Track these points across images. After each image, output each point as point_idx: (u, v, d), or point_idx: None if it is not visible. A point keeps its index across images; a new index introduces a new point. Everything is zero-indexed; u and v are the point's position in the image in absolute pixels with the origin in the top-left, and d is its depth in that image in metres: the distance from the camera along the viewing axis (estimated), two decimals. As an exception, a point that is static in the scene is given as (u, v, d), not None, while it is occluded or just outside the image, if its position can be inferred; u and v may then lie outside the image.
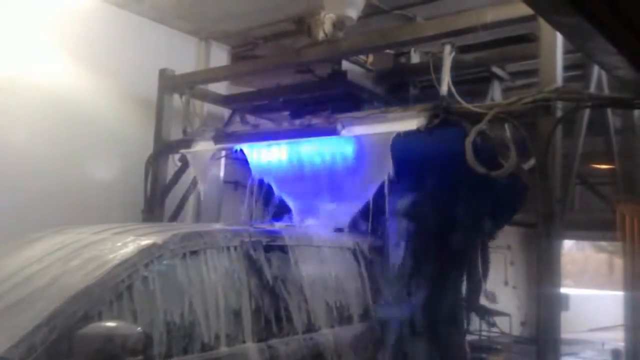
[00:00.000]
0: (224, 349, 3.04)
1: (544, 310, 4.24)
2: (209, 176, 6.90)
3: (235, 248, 3.38)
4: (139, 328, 2.60)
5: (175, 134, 6.56)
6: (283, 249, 3.68)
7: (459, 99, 4.67)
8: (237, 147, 5.66)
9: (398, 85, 5.98)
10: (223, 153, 6.35)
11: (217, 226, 3.69)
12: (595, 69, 4.69)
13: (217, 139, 5.78)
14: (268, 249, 3.57)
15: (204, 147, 6.04)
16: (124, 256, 2.88)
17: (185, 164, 6.35)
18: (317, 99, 6.02)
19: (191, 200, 6.97)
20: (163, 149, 6.48)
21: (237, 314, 3.19)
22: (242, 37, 7.31)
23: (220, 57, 7.52)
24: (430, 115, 4.76)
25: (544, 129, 4.29)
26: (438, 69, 4.91)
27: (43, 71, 6.04)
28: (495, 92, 5.33)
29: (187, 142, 6.24)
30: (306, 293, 3.64)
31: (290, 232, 3.92)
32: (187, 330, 2.93)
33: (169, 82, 6.56)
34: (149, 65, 6.63)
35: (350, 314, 3.89)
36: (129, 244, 3.04)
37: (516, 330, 6.69)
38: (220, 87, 7.22)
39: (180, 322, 2.91)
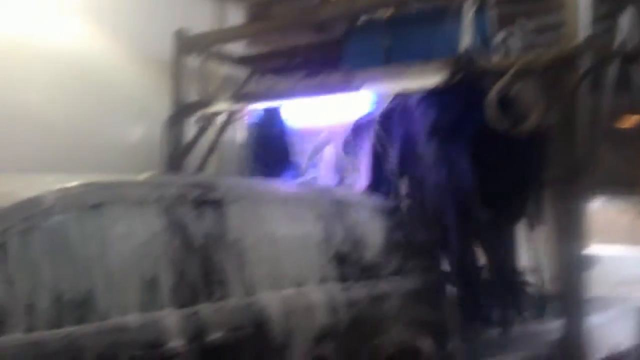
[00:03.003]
0: (132, 317, 2.64)
1: (568, 270, 4.21)
2: (227, 138, 6.91)
3: (153, 202, 2.89)
4: None
5: (193, 96, 6.50)
6: (218, 204, 3.15)
7: (480, 54, 4.55)
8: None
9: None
10: (242, 114, 6.34)
11: (139, 178, 3.10)
12: (622, 22, 4.51)
13: (233, 99, 5.73)
14: (198, 204, 3.06)
15: (221, 107, 5.99)
16: None
17: (204, 125, 6.32)
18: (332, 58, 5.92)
19: (212, 163, 6.96)
20: (181, 111, 6.44)
21: (153, 279, 2.76)
22: (258, -4, 7.18)
23: (235, 17, 7.39)
24: (451, 71, 4.67)
25: (569, 84, 4.19)
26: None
27: (56, 36, 5.98)
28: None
29: (204, 104, 6.20)
30: (246, 253, 3.15)
31: (229, 184, 3.39)
32: (82, 297, 2.52)
33: (185, 43, 6.47)
34: (164, 27, 6.53)
35: (305, 277, 3.40)
36: (8, 196, 2.55)
37: (545, 287, 6.64)
38: (238, 49, 7.13)
39: (73, 288, 2.50)
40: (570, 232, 4.21)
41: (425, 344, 3.90)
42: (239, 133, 7.25)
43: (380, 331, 3.65)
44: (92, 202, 2.68)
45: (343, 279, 3.59)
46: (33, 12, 5.81)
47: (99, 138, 6.32)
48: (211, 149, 6.58)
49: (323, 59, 6.08)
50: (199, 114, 6.29)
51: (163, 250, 2.84)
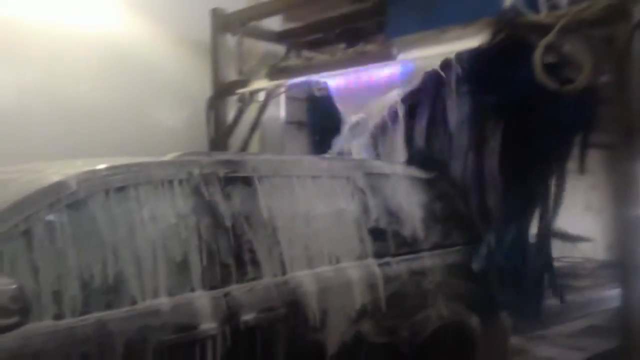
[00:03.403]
0: (163, 300, 2.59)
1: (626, 235, 3.96)
2: (269, 116, 6.85)
3: (181, 182, 2.81)
4: (13, 284, 2.18)
5: (233, 75, 6.44)
6: (248, 181, 3.06)
7: (525, 9, 4.29)
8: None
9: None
10: (282, 90, 6.25)
11: (165, 157, 3.00)
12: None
13: (270, 75, 5.63)
14: (227, 181, 2.97)
15: (260, 85, 5.91)
16: (19, 197, 2.40)
17: (244, 104, 6.26)
18: (373, 26, 5.74)
19: (255, 142, 6.93)
20: (221, 91, 6.39)
21: (182, 260, 2.70)
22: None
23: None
24: (493, 31, 4.43)
25: (622, 36, 3.89)
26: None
27: (97, 20, 6.04)
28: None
29: (243, 83, 6.12)
30: (278, 231, 3.05)
31: (258, 160, 3.27)
32: (110, 283, 2.48)
33: (222, 22, 6.39)
34: (201, 6, 6.47)
35: (341, 253, 3.27)
36: (33, 182, 2.53)
37: (603, 255, 6.34)
38: (276, 26, 7.00)
39: (101, 274, 2.46)
40: (627, 195, 3.95)
41: (470, 319, 3.74)
42: (282, 110, 7.19)
43: (422, 307, 3.52)
44: (118, 184, 2.64)
45: (381, 254, 3.46)
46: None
47: (143, 122, 6.38)
48: (253, 128, 6.54)
49: (361, 29, 5.92)
50: (238, 93, 6.22)
51: (192, 231, 2.78)
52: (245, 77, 6.16)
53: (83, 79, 5.95)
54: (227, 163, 3.09)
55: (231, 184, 3.00)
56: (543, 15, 4.27)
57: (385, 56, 4.87)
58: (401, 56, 4.83)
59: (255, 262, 2.93)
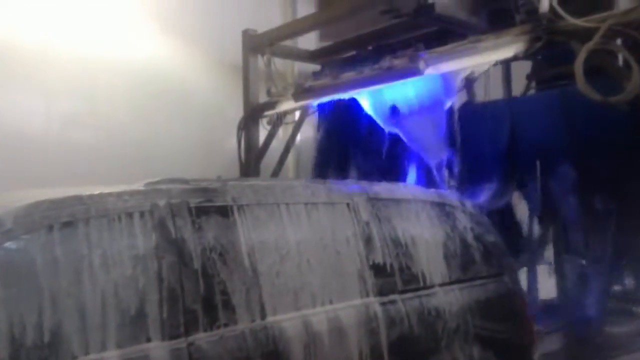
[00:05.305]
0: (111, 353, 2.22)
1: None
2: (305, 138, 6.59)
3: (142, 215, 2.47)
4: None
5: (264, 97, 6.21)
6: (225, 212, 2.70)
7: (564, 15, 3.83)
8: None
9: (498, 12, 5.11)
10: (312, 110, 5.98)
11: (133, 186, 2.66)
12: None
13: (296, 96, 5.34)
14: (200, 213, 2.62)
15: (287, 107, 5.63)
16: None
17: (274, 126, 6.01)
18: (407, 41, 5.39)
19: (290, 164, 6.67)
20: (251, 113, 6.17)
21: (138, 306, 2.33)
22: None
23: (307, 12, 7.04)
24: (530, 39, 4.01)
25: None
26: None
27: (132, 44, 6.06)
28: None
29: (272, 104, 5.87)
30: (259, 269, 2.67)
31: (240, 187, 2.87)
32: (47, 335, 2.13)
33: (253, 42, 6.19)
34: (235, 27, 6.33)
35: (333, 293, 2.86)
36: None
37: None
38: (311, 45, 6.76)
39: (36, 325, 2.13)
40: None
41: None
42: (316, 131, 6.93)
43: (434, 353, 3.06)
44: (64, 219, 2.29)
45: (385, 291, 3.03)
46: (109, 27, 5.92)
47: (180, 146, 6.31)
48: (286, 150, 6.30)
49: (393, 44, 5.57)
50: (269, 114, 5.98)
51: (152, 272, 2.42)
52: (273, 98, 5.90)
53: (122, 105, 5.98)
54: (201, 191, 2.73)
55: (204, 215, 2.65)
56: (584, 19, 3.81)
57: (412, 71, 4.49)
58: (430, 70, 4.45)
59: (228, 306, 2.55)
